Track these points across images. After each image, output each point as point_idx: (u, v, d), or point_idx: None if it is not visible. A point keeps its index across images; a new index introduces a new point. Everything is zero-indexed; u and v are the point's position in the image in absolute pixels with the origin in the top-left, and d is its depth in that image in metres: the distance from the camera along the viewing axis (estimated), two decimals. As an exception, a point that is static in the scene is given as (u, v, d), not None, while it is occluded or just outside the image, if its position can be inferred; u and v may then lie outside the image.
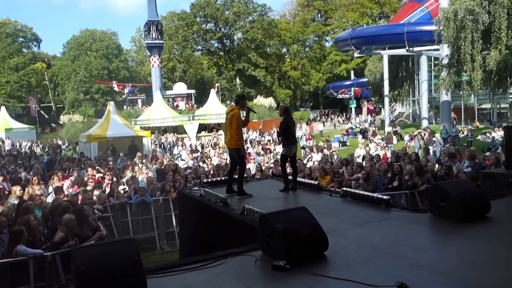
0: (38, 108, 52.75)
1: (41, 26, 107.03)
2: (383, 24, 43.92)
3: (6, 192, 10.09)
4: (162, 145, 24.34)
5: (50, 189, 10.43)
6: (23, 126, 38.23)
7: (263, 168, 13.07)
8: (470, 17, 18.50)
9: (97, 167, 13.68)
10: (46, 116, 56.30)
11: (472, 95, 28.17)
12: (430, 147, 17.34)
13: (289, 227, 3.50)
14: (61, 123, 43.19)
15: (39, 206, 8.02)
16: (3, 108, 39.12)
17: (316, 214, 3.80)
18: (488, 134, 22.32)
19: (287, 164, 7.11)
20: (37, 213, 7.54)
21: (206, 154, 20.06)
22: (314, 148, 17.90)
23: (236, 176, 6.69)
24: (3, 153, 23.26)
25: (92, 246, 3.91)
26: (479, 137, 23.30)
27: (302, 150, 21.07)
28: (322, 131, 37.30)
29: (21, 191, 9.18)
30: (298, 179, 7.21)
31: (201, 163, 16.00)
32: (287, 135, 6.76)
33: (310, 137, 24.97)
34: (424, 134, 19.99)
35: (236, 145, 6.53)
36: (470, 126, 28.03)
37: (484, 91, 22.89)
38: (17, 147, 27.38)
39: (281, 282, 3.11)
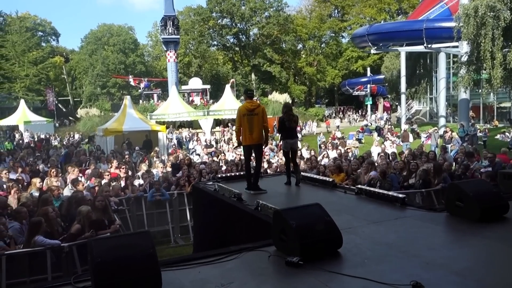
0: (56, 102, 53.50)
1: (59, 20, 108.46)
2: (401, 20, 43.31)
3: (25, 184, 10.29)
4: (178, 140, 24.47)
5: (67, 181, 10.60)
6: (41, 119, 38.80)
7: (277, 164, 13.09)
8: (491, 13, 18.13)
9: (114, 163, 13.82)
10: (64, 110, 57.10)
11: (492, 94, 27.62)
12: (448, 146, 17.09)
13: (303, 223, 3.50)
14: (79, 116, 43.78)
15: (56, 198, 8.17)
16: (22, 101, 39.79)
17: (330, 211, 3.79)
18: (507, 133, 21.90)
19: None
20: (56, 205, 7.69)
21: (220, 149, 20.14)
22: (329, 145, 17.82)
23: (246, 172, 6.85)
24: (22, 146, 23.69)
25: (108, 238, 3.96)
26: (498, 136, 22.89)
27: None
28: (338, 126, 37.42)
29: (41, 183, 9.36)
30: (312, 175, 7.30)
31: (215, 158, 16.08)
32: (283, 130, 6.98)
33: (335, 136, 24.28)
34: (446, 132, 19.69)
35: (261, 141, 6.67)
36: (488, 125, 27.57)
37: (504, 89, 22.46)
38: (36, 139, 27.86)
39: (295, 278, 3.11)
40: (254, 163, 7.02)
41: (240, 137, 6.71)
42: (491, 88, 20.49)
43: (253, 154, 6.88)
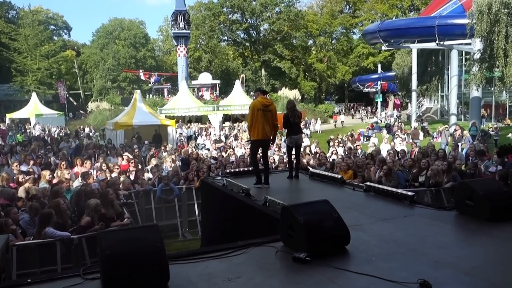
0: (67, 95, 53.96)
1: (71, 14, 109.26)
2: (413, 17, 42.86)
3: (36, 176, 10.41)
4: (188, 134, 24.51)
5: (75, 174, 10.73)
6: (52, 112, 39.11)
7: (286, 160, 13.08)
8: (505, 10, 17.89)
9: (126, 154, 13.93)
10: (75, 103, 57.56)
11: (504, 92, 27.29)
12: (459, 144, 16.90)
13: (311, 219, 3.50)
14: (89, 110, 44.10)
15: (67, 190, 8.26)
16: (34, 94, 40.12)
17: (338, 208, 3.78)
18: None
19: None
20: (67, 196, 7.79)
21: (229, 145, 20.17)
22: (336, 141, 17.76)
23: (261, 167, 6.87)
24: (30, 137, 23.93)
25: (117, 231, 4.00)
26: (510, 135, 22.62)
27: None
28: (343, 121, 37.62)
29: (51, 175, 9.46)
30: (320, 172, 7.37)
31: (223, 154, 16.11)
32: (287, 127, 7.13)
33: (359, 137, 23.62)
34: (456, 131, 19.51)
35: (270, 137, 6.82)
36: (500, 124, 27.22)
37: (516, 87, 22.10)
38: (47, 132, 28.15)
39: (302, 274, 3.12)
40: (261, 159, 7.07)
41: (250, 132, 6.72)
42: (504, 86, 20.26)
43: (260, 150, 6.96)
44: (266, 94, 7.06)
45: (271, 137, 6.80)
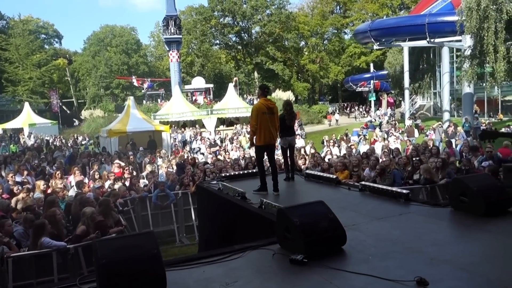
0: (60, 104, 53.72)
1: (62, 22, 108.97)
2: (403, 16, 43.11)
3: (30, 186, 10.34)
4: (183, 139, 24.48)
5: (72, 183, 10.68)
6: (46, 122, 38.94)
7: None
8: (494, 6, 18.05)
9: (116, 161, 13.86)
10: (68, 112, 57.31)
11: (496, 87, 27.49)
12: (453, 140, 16.99)
13: (306, 221, 3.51)
14: (83, 118, 43.92)
15: (61, 200, 8.21)
16: (26, 104, 39.90)
17: (334, 208, 3.79)
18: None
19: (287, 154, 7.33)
20: (61, 206, 7.74)
21: (224, 148, 20.15)
22: (330, 141, 17.79)
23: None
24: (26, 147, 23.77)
25: (112, 239, 3.98)
26: (502, 129, 22.74)
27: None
28: (338, 120, 38.05)
29: (45, 185, 9.40)
30: (315, 173, 7.40)
31: (219, 157, 16.09)
32: (282, 128, 6.86)
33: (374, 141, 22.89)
34: (449, 127, 19.61)
35: (276, 141, 6.72)
36: (493, 119, 27.38)
37: (508, 82, 22.30)
38: (40, 142, 28.01)
39: (299, 276, 3.12)
40: (268, 163, 6.83)
41: (255, 137, 6.34)
42: (495, 82, 20.41)
43: (265, 155, 6.66)
44: (268, 91, 6.78)
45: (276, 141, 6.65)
